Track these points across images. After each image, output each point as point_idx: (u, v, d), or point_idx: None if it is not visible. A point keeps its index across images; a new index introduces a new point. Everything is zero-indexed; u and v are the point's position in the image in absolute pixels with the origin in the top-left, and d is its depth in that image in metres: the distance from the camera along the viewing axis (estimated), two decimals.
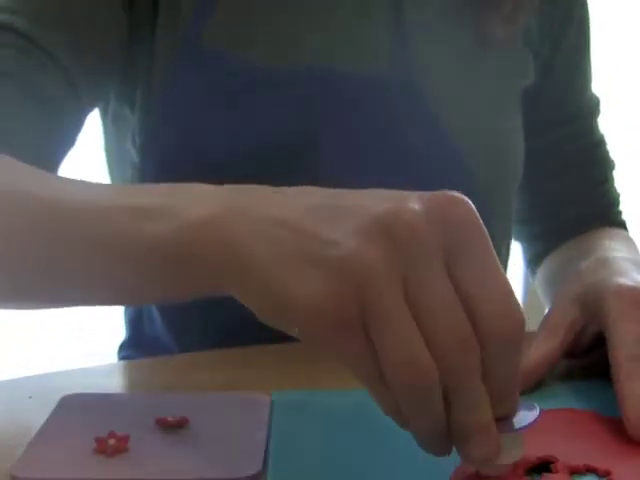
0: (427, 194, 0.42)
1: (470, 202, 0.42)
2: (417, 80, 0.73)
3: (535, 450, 0.48)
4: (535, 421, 0.43)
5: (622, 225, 0.87)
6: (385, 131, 0.72)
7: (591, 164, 0.86)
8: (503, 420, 0.43)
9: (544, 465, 0.48)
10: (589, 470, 0.47)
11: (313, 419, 0.54)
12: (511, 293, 0.41)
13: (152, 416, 0.53)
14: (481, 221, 0.41)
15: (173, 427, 0.52)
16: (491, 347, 0.40)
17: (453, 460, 0.45)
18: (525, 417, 0.44)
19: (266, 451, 0.50)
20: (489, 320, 0.40)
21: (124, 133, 0.79)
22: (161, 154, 0.74)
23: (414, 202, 0.41)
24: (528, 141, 0.81)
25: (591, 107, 0.86)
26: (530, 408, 0.45)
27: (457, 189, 0.73)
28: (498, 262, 0.42)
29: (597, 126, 0.87)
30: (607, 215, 0.87)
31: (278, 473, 0.48)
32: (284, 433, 0.52)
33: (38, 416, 0.54)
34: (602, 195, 0.87)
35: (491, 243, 0.41)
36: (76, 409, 0.55)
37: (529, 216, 0.88)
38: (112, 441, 0.50)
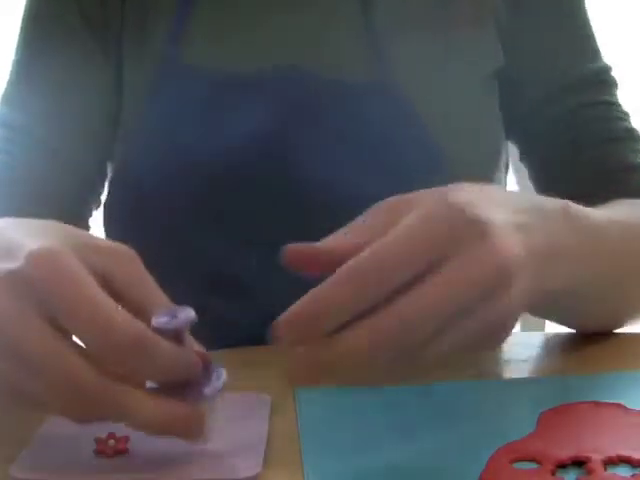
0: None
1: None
2: (389, 78, 0.73)
3: (565, 445, 0.48)
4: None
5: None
6: (356, 130, 0.73)
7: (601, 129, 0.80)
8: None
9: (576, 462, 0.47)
10: (622, 461, 0.47)
11: (341, 414, 0.55)
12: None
13: None
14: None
15: None
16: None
17: (483, 457, 0.46)
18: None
19: (266, 451, 0.50)
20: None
21: None
22: (136, 167, 0.76)
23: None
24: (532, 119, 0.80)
25: (585, 79, 0.81)
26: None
27: (434, 181, 0.73)
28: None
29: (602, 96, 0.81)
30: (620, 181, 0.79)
31: (314, 466, 0.48)
32: (314, 428, 0.53)
33: (38, 416, 0.54)
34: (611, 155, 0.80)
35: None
36: None
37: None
38: (112, 442, 0.49)
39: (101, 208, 0.82)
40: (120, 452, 0.49)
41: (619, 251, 0.61)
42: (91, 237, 0.49)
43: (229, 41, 0.75)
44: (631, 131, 0.80)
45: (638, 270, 0.64)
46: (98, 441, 0.49)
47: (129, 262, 0.48)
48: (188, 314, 0.48)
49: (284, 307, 0.53)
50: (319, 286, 0.46)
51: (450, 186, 0.51)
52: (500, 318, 0.47)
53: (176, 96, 0.75)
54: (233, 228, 0.74)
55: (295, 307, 0.46)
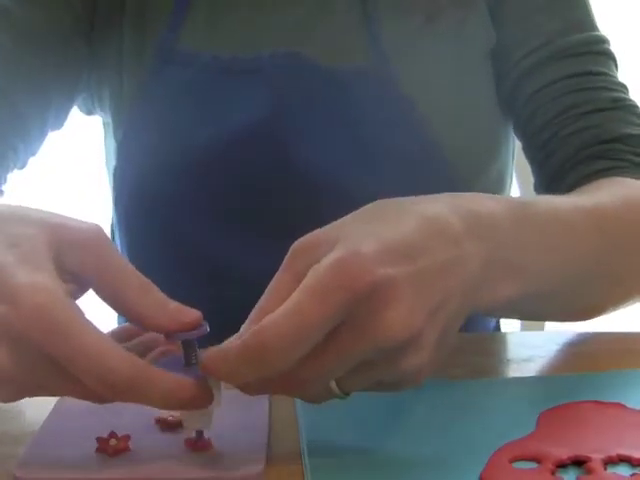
0: None
1: None
2: (385, 65, 0.74)
3: (565, 445, 0.48)
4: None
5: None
6: (353, 117, 0.73)
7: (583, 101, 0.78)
8: None
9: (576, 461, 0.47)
10: (622, 460, 0.47)
11: (341, 413, 0.54)
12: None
13: (152, 416, 0.53)
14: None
15: (173, 427, 0.52)
16: None
17: (484, 457, 0.46)
18: None
19: (267, 451, 0.50)
20: None
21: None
22: (136, 153, 0.76)
23: None
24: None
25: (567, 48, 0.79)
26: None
27: (429, 163, 0.73)
28: None
29: (590, 66, 0.78)
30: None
31: (314, 466, 0.48)
32: (314, 428, 0.52)
33: (38, 416, 0.54)
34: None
35: None
36: (75, 409, 0.55)
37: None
38: (113, 441, 0.49)
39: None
40: (121, 451, 0.49)
41: (581, 243, 0.60)
42: (63, 229, 0.48)
43: (227, 28, 0.76)
44: (619, 101, 0.77)
45: (605, 260, 0.63)
46: (99, 440, 0.49)
47: (98, 249, 0.48)
48: (202, 329, 0.48)
49: None
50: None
51: (367, 228, 0.48)
52: (401, 377, 0.47)
53: (174, 82, 0.76)
54: (231, 214, 0.74)
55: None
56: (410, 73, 0.74)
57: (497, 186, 0.81)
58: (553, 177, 0.77)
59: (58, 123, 0.81)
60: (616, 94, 0.77)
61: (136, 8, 0.78)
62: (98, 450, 0.49)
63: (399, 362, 0.46)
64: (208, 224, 0.74)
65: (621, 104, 0.77)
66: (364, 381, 0.47)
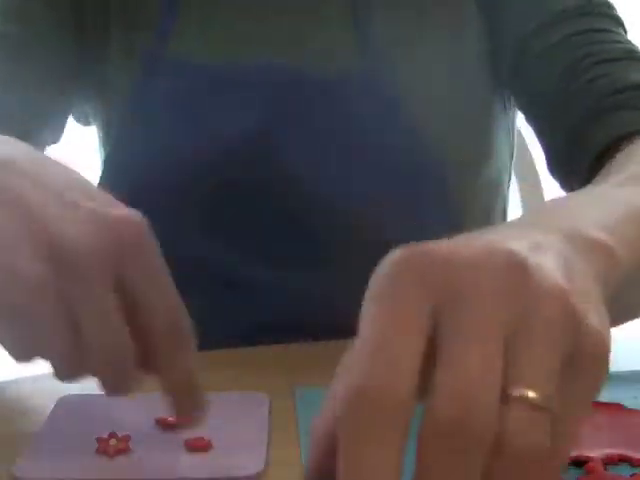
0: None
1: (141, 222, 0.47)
2: (375, 75, 0.73)
3: None
4: None
5: None
6: (343, 127, 0.73)
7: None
8: None
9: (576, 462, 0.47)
10: (622, 460, 0.47)
11: None
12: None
13: (152, 416, 0.53)
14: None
15: (173, 427, 0.52)
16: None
17: None
18: None
19: (267, 451, 0.50)
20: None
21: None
22: (125, 160, 0.76)
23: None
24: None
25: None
26: None
27: (428, 180, 0.72)
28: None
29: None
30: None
31: None
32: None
33: (38, 416, 0.54)
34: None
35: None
36: (75, 410, 0.55)
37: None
38: (113, 441, 0.50)
39: None
40: (121, 452, 0.49)
41: None
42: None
43: (215, 38, 0.76)
44: (633, 52, 0.72)
45: None
46: (99, 440, 0.50)
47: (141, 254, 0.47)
48: None
49: (277, 301, 0.52)
50: None
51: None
52: (584, 347, 0.35)
53: (162, 93, 0.75)
54: (218, 226, 0.74)
55: None
56: (404, 78, 0.73)
57: (495, 186, 0.82)
58: (574, 134, 0.70)
59: (55, 137, 0.80)
60: (629, 46, 0.73)
61: (123, 19, 0.77)
62: (98, 450, 0.49)
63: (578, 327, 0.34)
64: (199, 236, 0.74)
65: (637, 55, 0.72)
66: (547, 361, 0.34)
